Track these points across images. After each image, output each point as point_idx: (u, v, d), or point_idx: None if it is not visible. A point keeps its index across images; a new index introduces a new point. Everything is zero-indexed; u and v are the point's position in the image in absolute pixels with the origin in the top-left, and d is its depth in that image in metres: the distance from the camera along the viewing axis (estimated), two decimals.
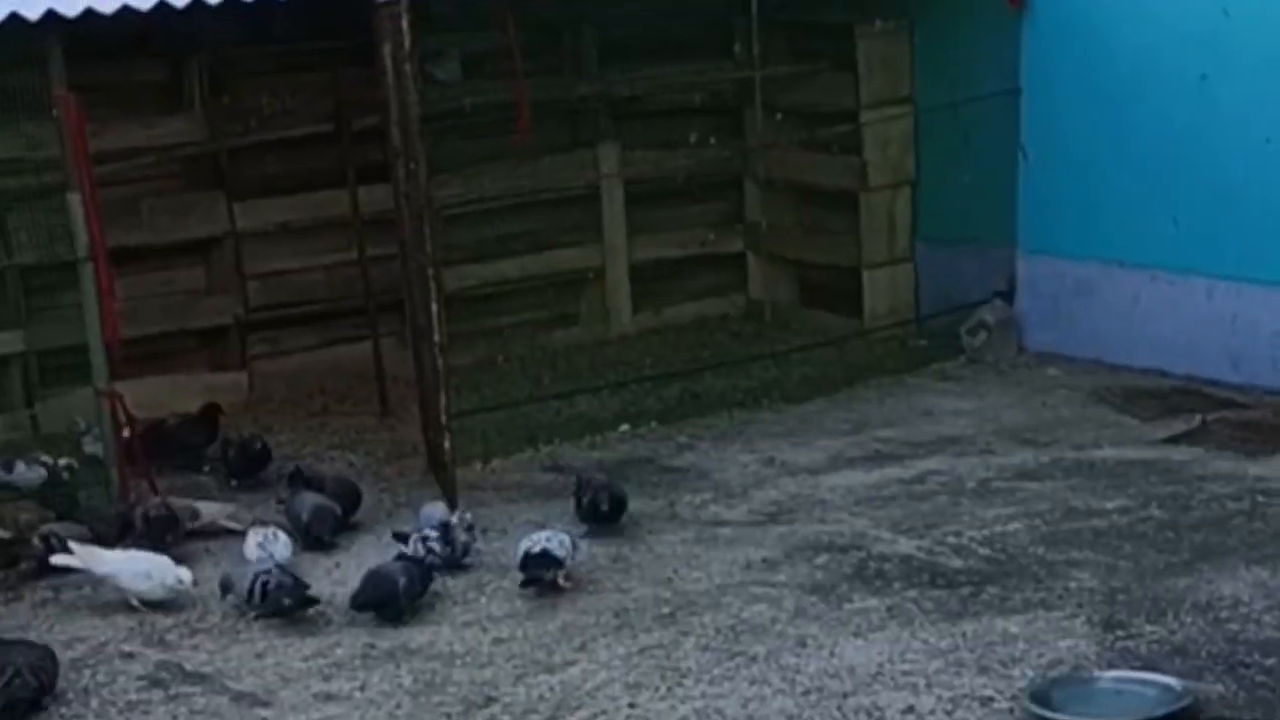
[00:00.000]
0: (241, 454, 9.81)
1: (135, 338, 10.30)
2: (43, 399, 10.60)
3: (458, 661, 7.40)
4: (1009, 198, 11.33)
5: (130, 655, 7.67)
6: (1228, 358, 10.22)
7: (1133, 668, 6.83)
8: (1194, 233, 10.41)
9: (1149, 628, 7.24)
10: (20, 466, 9.48)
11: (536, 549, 8.04)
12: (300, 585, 7.88)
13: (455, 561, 8.29)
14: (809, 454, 9.82)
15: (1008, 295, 11.39)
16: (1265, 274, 10.03)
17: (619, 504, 8.76)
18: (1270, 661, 6.84)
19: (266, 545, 8.38)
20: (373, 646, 7.57)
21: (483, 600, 8.03)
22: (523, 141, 11.24)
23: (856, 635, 7.39)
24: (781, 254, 12.55)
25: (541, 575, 7.97)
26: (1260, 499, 8.56)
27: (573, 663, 7.32)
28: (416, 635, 7.66)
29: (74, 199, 9.04)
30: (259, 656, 7.54)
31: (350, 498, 9.10)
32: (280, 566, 8.05)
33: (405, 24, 8.64)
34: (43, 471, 9.45)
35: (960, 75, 11.41)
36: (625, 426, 10.46)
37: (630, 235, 12.39)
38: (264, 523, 8.75)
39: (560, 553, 8.02)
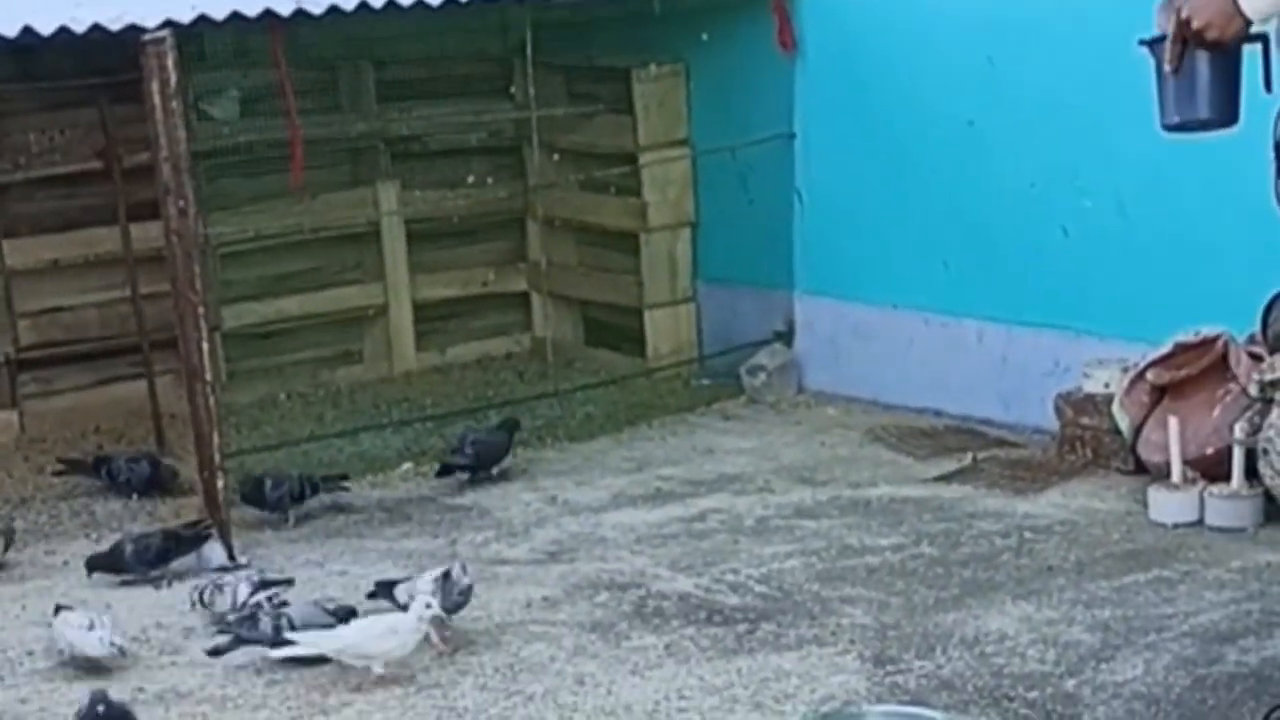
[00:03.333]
0: None
1: None
2: None
3: (229, 705, 7.28)
4: (786, 240, 11.49)
5: None
6: (998, 398, 10.44)
7: (901, 702, 6.92)
8: (964, 276, 10.64)
9: (918, 662, 7.36)
10: None
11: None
12: None
13: (459, 607, 7.90)
14: (592, 492, 9.85)
15: (787, 336, 11.55)
16: (1033, 317, 10.28)
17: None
18: (1033, 694, 7.00)
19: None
20: (142, 690, 7.42)
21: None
22: (298, 179, 11.18)
23: (634, 673, 7.42)
24: (564, 293, 12.60)
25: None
26: (1027, 535, 8.76)
27: (348, 704, 7.23)
28: (187, 679, 7.53)
29: None
30: None
31: None
32: None
33: (171, 60, 8.55)
34: None
35: (736, 118, 11.56)
36: (408, 465, 10.40)
37: (412, 273, 12.35)
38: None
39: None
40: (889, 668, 7.32)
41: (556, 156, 12.40)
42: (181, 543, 8.84)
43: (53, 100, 10.99)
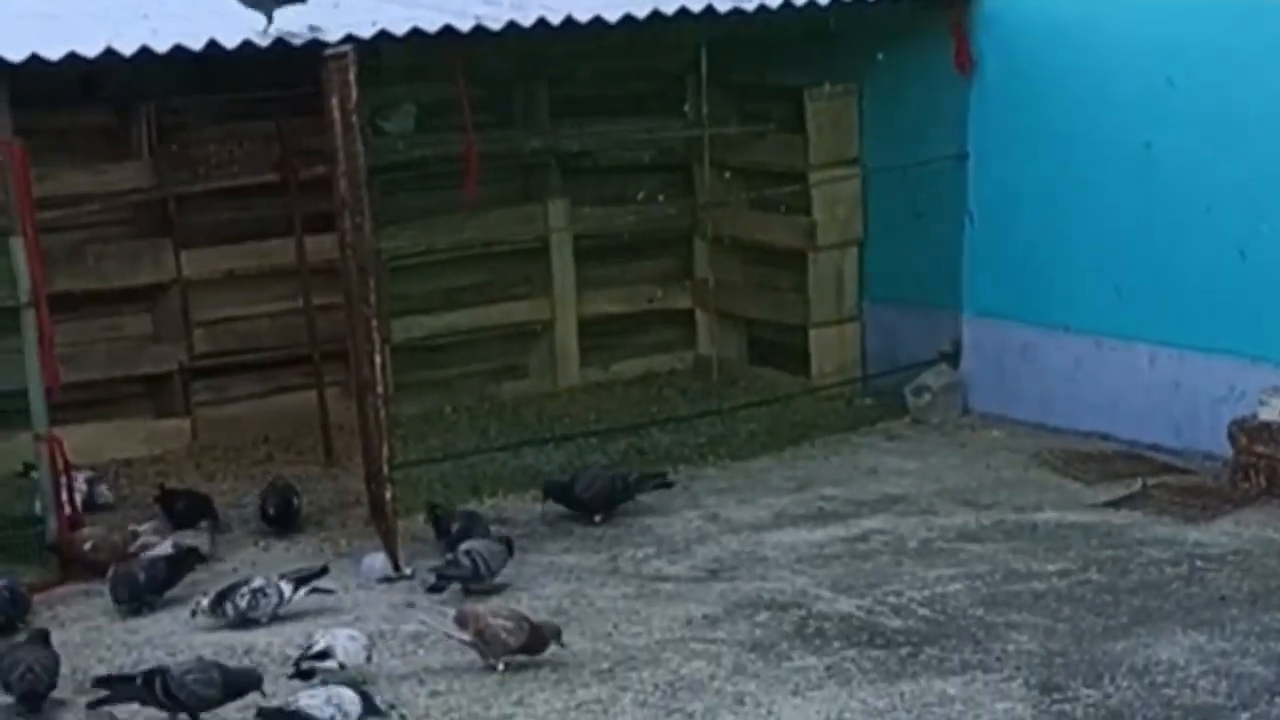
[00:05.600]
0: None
1: (80, 383, 10.28)
2: None
3: (394, 714, 7.35)
4: (955, 260, 11.40)
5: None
6: (1169, 423, 10.28)
7: None
8: (1136, 300, 10.49)
9: (1085, 691, 7.25)
10: None
11: (316, 648, 7.65)
12: None
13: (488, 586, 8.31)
14: (753, 511, 9.83)
15: (953, 357, 11.44)
16: (1206, 342, 10.11)
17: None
18: None
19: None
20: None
21: (420, 653, 7.99)
22: (474, 194, 11.29)
23: (794, 694, 7.39)
24: (730, 311, 12.60)
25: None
26: (1198, 564, 8.61)
27: (510, 717, 7.29)
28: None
29: (16, 244, 9.00)
30: None
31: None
32: None
33: (353, 75, 8.66)
34: None
35: (908, 138, 11.50)
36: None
37: (579, 289, 12.42)
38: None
39: (346, 658, 7.61)
40: (1055, 695, 7.22)
41: (727, 175, 12.40)
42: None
43: (231, 113, 11.22)
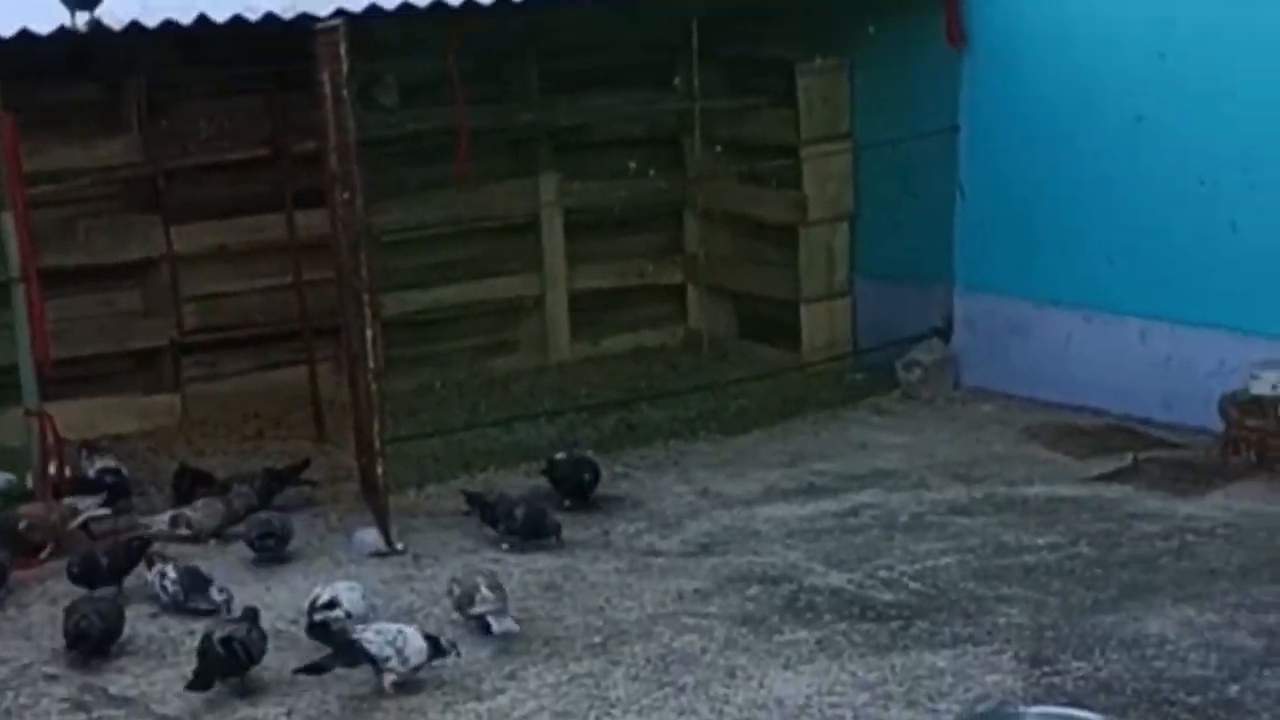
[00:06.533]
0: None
1: (70, 359, 10.26)
2: None
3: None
4: (946, 235, 11.40)
5: (54, 678, 7.59)
6: (1160, 398, 10.29)
7: (1058, 703, 6.83)
8: (1128, 273, 10.50)
9: (1075, 664, 7.27)
10: None
11: (323, 600, 7.67)
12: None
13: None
14: (744, 485, 9.83)
15: (944, 332, 11.45)
16: (1198, 315, 10.12)
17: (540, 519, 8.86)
18: (1195, 699, 6.88)
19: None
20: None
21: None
22: (464, 169, 11.25)
23: (786, 667, 7.40)
24: (720, 285, 12.60)
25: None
26: (1189, 538, 8.62)
27: (502, 691, 7.29)
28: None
29: (6, 219, 8.98)
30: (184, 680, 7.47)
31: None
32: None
33: (344, 49, 8.64)
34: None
35: (900, 112, 11.49)
36: (561, 455, 10.43)
37: (570, 264, 12.41)
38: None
39: (351, 607, 7.65)
40: (1045, 668, 7.24)
41: (717, 149, 12.39)
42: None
43: (222, 88, 11.19)
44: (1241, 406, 9.49)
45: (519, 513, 8.97)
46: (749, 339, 12.48)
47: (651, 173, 12.54)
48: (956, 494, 9.48)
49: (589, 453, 10.11)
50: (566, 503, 9.47)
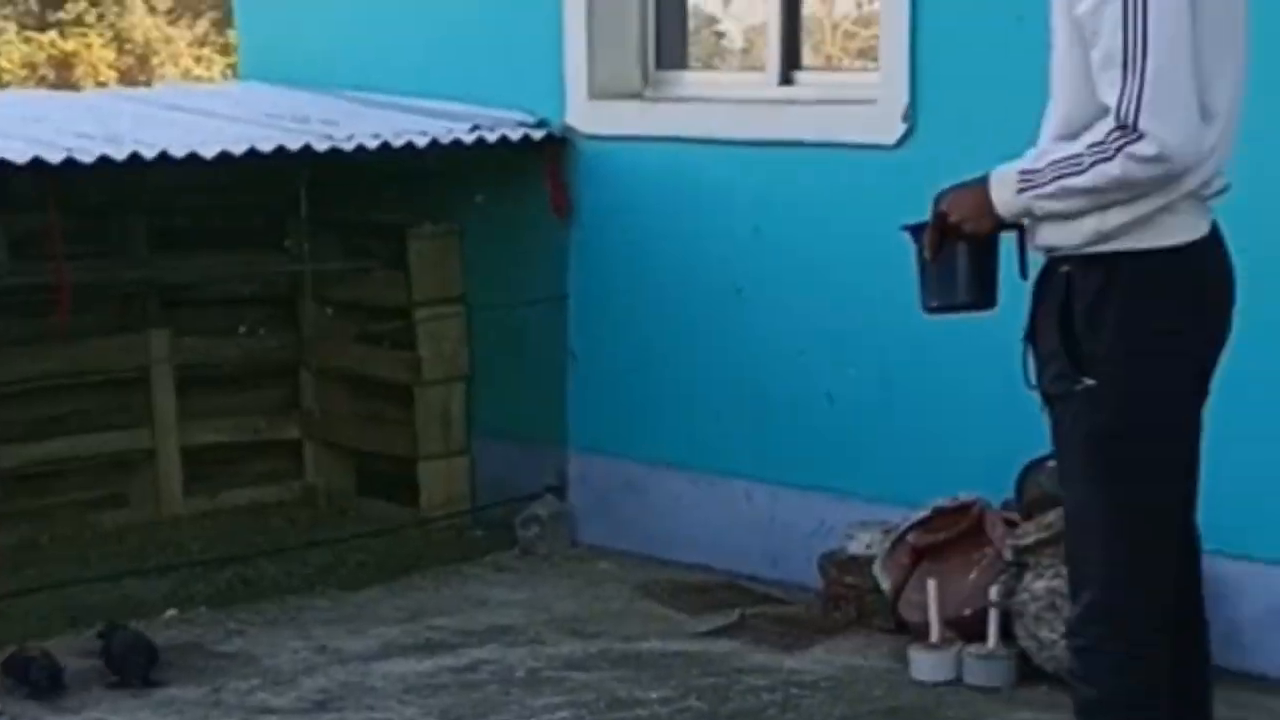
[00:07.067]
0: None
1: None
2: None
3: None
4: (560, 397, 11.69)
5: None
6: (766, 556, 10.68)
7: None
8: (734, 437, 10.90)
9: None
10: None
11: None
12: None
13: None
14: (362, 641, 9.84)
15: (559, 490, 11.70)
16: (800, 479, 10.57)
17: None
18: None
19: None
20: None
21: None
22: (64, 324, 11.12)
23: None
24: (338, 442, 12.64)
25: None
26: (794, 691, 8.96)
27: None
28: None
29: None
30: None
31: None
32: None
33: None
34: None
35: (510, 278, 11.76)
36: (172, 611, 10.31)
37: (183, 419, 12.28)
38: None
39: None
40: None
41: (330, 310, 12.51)
42: None
43: None
44: (839, 565, 9.95)
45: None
46: (368, 495, 12.53)
47: (262, 331, 12.57)
48: (573, 649, 9.66)
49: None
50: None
